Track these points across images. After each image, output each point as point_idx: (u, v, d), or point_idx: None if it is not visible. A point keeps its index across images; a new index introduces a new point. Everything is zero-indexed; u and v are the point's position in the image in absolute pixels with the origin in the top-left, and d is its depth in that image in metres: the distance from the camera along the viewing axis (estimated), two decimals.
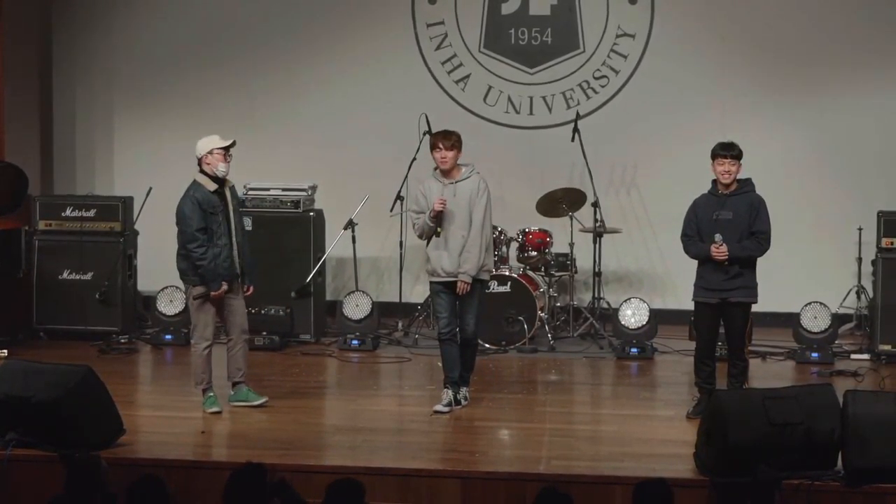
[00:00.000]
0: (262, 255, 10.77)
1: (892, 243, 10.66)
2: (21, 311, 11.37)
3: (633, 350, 10.78)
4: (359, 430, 8.33)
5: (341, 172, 12.30)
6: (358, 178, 12.11)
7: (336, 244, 11.51)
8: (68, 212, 11.60)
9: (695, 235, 8.55)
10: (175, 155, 11.67)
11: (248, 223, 10.65)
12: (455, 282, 8.73)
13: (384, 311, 11.75)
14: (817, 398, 7.21)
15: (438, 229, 8.72)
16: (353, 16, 12.57)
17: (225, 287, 8.69)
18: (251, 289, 8.94)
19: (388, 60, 12.55)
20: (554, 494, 6.01)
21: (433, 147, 8.80)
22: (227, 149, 8.71)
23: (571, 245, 11.43)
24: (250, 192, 11.36)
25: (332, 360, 10.73)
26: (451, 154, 8.73)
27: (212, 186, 8.68)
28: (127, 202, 11.65)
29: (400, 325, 11.70)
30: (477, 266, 8.71)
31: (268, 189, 11.45)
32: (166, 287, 11.46)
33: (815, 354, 10.50)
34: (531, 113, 12.47)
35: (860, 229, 11.49)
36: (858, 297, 11.64)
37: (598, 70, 12.37)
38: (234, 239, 8.78)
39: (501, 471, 7.40)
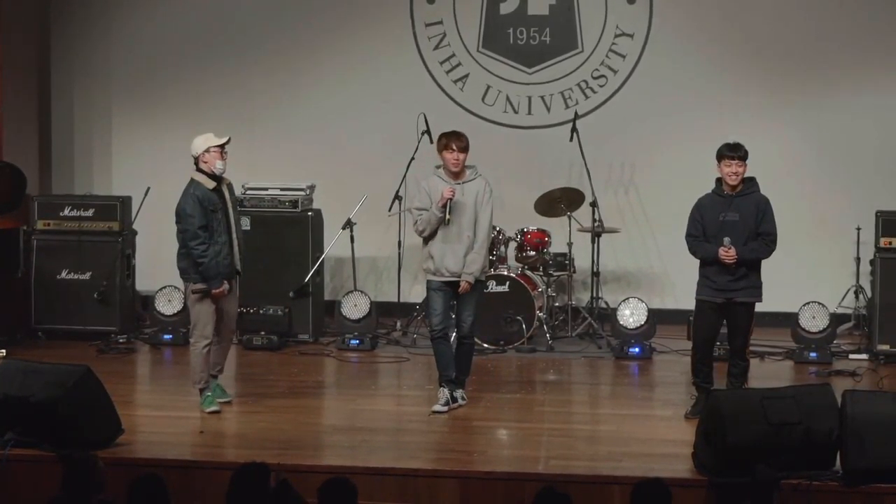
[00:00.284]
0: (261, 255, 10.80)
1: (890, 243, 10.65)
2: (19, 310, 11.36)
3: (632, 350, 10.77)
4: (357, 429, 8.32)
5: (340, 172, 12.28)
6: (356, 177, 12.09)
7: (334, 244, 11.50)
8: (66, 211, 11.58)
9: (700, 236, 8.52)
10: (173, 155, 11.60)
11: (246, 223, 10.66)
12: (455, 281, 8.74)
13: (382, 311, 11.74)
14: (816, 398, 7.21)
15: (448, 217, 8.68)
16: (352, 15, 12.56)
17: (226, 286, 8.71)
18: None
19: (387, 60, 12.54)
20: (552, 494, 6.00)
21: (445, 148, 8.75)
22: (223, 146, 8.72)
23: (570, 245, 11.43)
24: (249, 192, 11.35)
25: (330, 360, 10.73)
26: (463, 156, 8.74)
27: (210, 184, 8.68)
28: (125, 202, 11.63)
29: (398, 324, 11.69)
30: (481, 269, 8.78)
31: (266, 189, 11.44)
32: (165, 287, 11.45)
33: (813, 354, 10.50)
34: (529, 113, 12.46)
35: (858, 229, 11.49)
36: (857, 297, 11.64)
37: (597, 70, 12.36)
38: (233, 236, 8.79)
39: (500, 471, 7.39)
